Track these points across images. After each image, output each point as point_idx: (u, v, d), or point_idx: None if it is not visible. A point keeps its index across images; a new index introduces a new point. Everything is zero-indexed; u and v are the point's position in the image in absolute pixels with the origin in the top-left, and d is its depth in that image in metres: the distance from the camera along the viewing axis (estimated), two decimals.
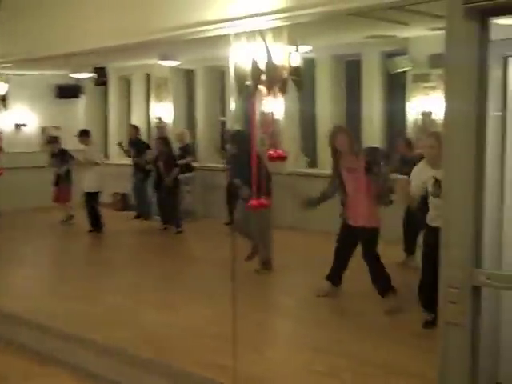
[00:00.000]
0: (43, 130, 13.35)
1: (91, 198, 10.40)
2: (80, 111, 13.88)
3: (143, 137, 11.98)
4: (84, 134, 10.61)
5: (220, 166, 10.87)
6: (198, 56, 10.67)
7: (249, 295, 6.15)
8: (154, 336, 5.56)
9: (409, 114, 9.35)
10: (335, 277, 6.45)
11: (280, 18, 3.36)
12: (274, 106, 9.47)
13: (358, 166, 5.93)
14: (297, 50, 3.47)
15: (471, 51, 2.78)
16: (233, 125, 10.64)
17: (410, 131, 9.32)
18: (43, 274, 8.27)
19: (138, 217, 11.37)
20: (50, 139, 11.59)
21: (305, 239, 8.96)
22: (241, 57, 3.41)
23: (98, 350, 5.22)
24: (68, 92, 13.50)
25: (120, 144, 11.88)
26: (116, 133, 13.14)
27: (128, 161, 11.52)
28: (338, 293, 6.52)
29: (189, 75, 12.35)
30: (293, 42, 3.56)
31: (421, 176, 5.50)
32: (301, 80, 3.63)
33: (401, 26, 8.32)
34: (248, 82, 3.44)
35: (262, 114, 10.47)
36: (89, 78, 12.51)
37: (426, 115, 9.10)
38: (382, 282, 6.03)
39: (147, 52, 9.48)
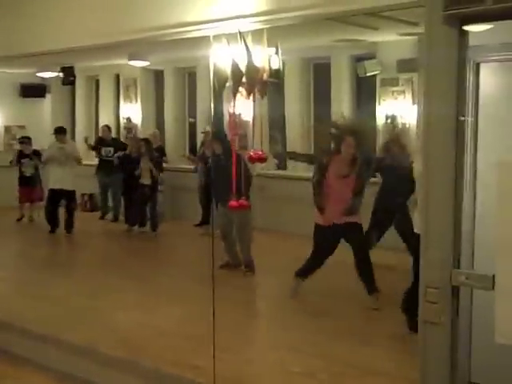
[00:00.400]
0: (7, 129, 13.15)
1: (67, 197, 10.28)
2: (46, 111, 13.67)
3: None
4: (61, 131, 10.52)
5: (188, 166, 10.92)
6: (167, 57, 10.63)
7: (224, 296, 6.16)
8: (127, 336, 5.55)
9: (378, 118, 9.46)
10: (307, 273, 6.50)
11: (260, 21, 3.40)
12: (245, 107, 9.56)
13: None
14: (276, 53, 3.51)
15: (450, 56, 2.85)
16: (205, 126, 10.68)
17: (379, 134, 9.45)
18: (13, 275, 8.15)
19: (102, 217, 11.32)
20: (23, 140, 11.44)
21: (276, 241, 9.00)
22: (220, 58, 3.43)
23: (71, 350, 5.18)
24: (33, 91, 13.31)
25: (86, 139, 11.79)
26: (83, 133, 12.98)
27: (92, 161, 11.41)
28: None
29: (158, 76, 12.30)
30: (272, 44, 3.60)
31: None
32: (280, 83, 3.66)
33: (371, 30, 8.42)
34: (228, 84, 3.47)
35: (232, 115, 10.61)
36: (55, 77, 12.33)
37: (395, 118, 9.22)
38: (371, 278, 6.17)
39: (117, 52, 9.38)
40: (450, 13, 2.79)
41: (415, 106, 9.06)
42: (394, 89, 9.26)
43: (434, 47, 2.84)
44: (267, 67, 3.45)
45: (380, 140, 9.38)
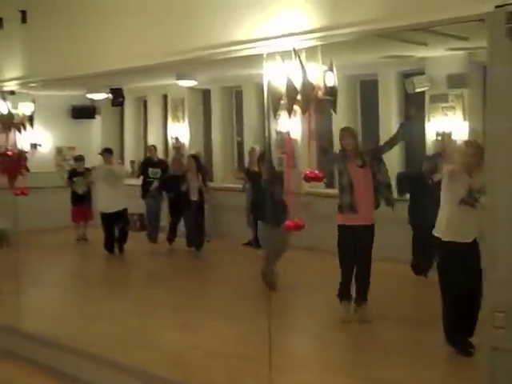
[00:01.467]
0: (58, 150, 13.41)
1: (119, 217, 10.35)
2: (95, 132, 13.94)
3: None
4: (108, 152, 10.65)
5: (235, 186, 10.91)
6: (214, 76, 10.69)
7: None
8: (178, 357, 5.52)
9: (428, 135, 9.30)
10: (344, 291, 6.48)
11: (314, 38, 3.35)
12: (293, 126, 9.48)
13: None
14: (331, 70, 3.46)
15: None
16: (252, 145, 10.69)
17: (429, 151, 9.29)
18: (64, 294, 8.24)
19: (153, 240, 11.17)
20: (78, 157, 11.65)
21: (320, 259, 8.89)
22: (274, 76, 3.39)
23: (124, 371, 5.17)
24: (83, 112, 13.58)
25: (132, 164, 11.91)
26: (132, 153, 13.16)
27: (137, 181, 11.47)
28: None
29: (205, 95, 12.39)
30: (326, 61, 3.55)
31: (458, 183, 5.47)
32: (336, 100, 3.62)
33: (419, 46, 8.31)
34: (282, 102, 3.43)
35: (280, 133, 10.59)
36: (105, 99, 12.54)
37: (446, 136, 9.04)
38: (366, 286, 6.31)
39: (165, 72, 9.51)
40: None
41: (466, 123, 8.89)
42: (444, 105, 9.10)
43: (497, 60, 2.76)
44: (322, 84, 3.40)
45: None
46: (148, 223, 11.15)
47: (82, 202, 11.37)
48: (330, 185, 10.60)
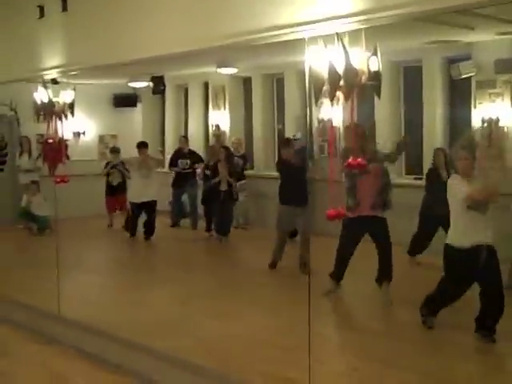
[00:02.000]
0: (101, 138, 13.54)
1: (148, 207, 10.43)
2: (137, 120, 14.03)
3: (200, 144, 12.02)
4: (143, 146, 10.67)
5: (275, 174, 10.85)
6: (255, 63, 10.60)
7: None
8: (217, 346, 5.50)
9: (474, 121, 9.06)
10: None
11: (357, 21, 3.24)
12: (335, 113, 9.37)
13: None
14: (375, 54, 3.33)
15: None
16: (294, 133, 10.59)
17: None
18: (102, 281, 8.29)
19: (173, 225, 11.52)
20: (113, 149, 11.75)
21: None
22: (316, 61, 3.28)
23: (162, 359, 5.17)
24: (125, 101, 13.67)
25: (161, 151, 11.93)
26: (173, 141, 13.18)
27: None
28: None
29: (246, 83, 12.32)
30: (369, 45, 3.43)
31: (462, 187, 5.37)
32: (380, 85, 3.49)
33: (465, 30, 8.08)
34: (325, 88, 3.32)
35: (322, 121, 10.46)
36: (146, 87, 12.58)
37: (493, 122, 8.80)
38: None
39: (206, 60, 9.48)
40: None
41: None
42: (492, 91, 8.84)
43: None
44: (366, 70, 3.28)
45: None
46: (171, 209, 11.55)
47: (115, 192, 11.49)
48: None
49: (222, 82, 12.08)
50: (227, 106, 12.20)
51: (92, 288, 7.67)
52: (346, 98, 3.36)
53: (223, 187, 10.17)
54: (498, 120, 8.76)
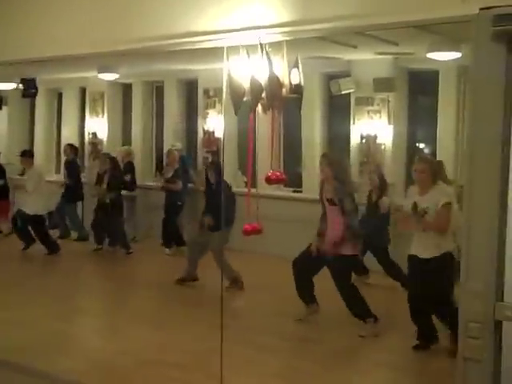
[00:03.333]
0: None
1: (35, 221, 9.77)
2: (1, 124, 13.15)
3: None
4: (27, 155, 10.05)
5: (155, 184, 10.61)
6: (137, 70, 10.30)
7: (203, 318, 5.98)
8: (108, 365, 5.21)
9: (352, 138, 9.33)
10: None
11: (280, 33, 3.17)
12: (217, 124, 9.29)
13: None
14: (296, 66, 3.28)
15: (498, 73, 2.67)
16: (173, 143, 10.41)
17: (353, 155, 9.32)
18: None
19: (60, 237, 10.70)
20: None
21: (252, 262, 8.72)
22: (237, 71, 3.18)
23: (46, 380, 4.80)
24: None
25: None
26: (43, 149, 12.50)
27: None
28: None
29: (126, 89, 11.94)
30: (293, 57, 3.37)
31: (409, 199, 5.52)
32: (301, 99, 3.44)
33: (348, 48, 8.31)
34: (245, 99, 3.22)
35: (207, 132, 10.35)
36: (14, 89, 11.82)
37: (371, 139, 9.12)
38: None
39: (86, 64, 9.05)
40: (500, 28, 2.62)
41: (391, 126, 8.99)
42: (370, 108, 9.17)
43: (481, 63, 2.67)
44: (287, 82, 3.21)
45: (354, 160, 9.28)
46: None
47: None
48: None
49: (100, 88, 11.62)
50: (105, 113, 11.76)
51: None
52: (265, 110, 3.28)
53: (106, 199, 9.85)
54: (375, 137, 9.10)
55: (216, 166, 7.98)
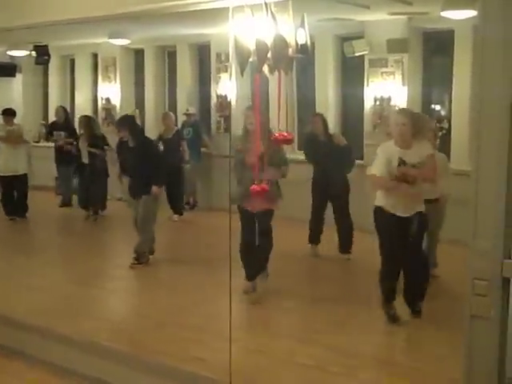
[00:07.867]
0: None
1: (18, 181, 9.79)
2: (16, 91, 13.18)
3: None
4: (9, 113, 9.97)
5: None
6: (148, 35, 10.25)
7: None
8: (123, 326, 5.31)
9: (367, 99, 9.25)
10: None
11: None
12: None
13: None
14: (302, 26, 3.24)
15: (508, 29, 2.61)
16: (187, 107, 10.39)
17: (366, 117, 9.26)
18: None
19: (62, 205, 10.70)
20: None
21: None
22: (243, 31, 3.15)
23: (66, 342, 4.90)
24: (2, 70, 12.78)
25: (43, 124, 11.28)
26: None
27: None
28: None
29: (138, 55, 11.90)
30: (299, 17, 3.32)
31: (387, 155, 5.12)
32: (307, 58, 3.41)
33: (360, 8, 8.18)
34: (251, 59, 3.19)
35: (219, 96, 10.31)
36: (27, 56, 11.82)
37: (385, 101, 9.04)
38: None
39: (97, 30, 9.02)
40: None
41: (405, 88, 8.90)
42: (384, 70, 9.07)
43: (490, 18, 2.61)
44: (293, 42, 3.18)
45: (368, 122, 9.22)
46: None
47: None
48: None
49: (112, 54, 11.59)
50: (118, 79, 11.74)
51: None
52: (271, 71, 3.26)
53: (85, 159, 9.81)
54: (389, 99, 9.02)
55: None
